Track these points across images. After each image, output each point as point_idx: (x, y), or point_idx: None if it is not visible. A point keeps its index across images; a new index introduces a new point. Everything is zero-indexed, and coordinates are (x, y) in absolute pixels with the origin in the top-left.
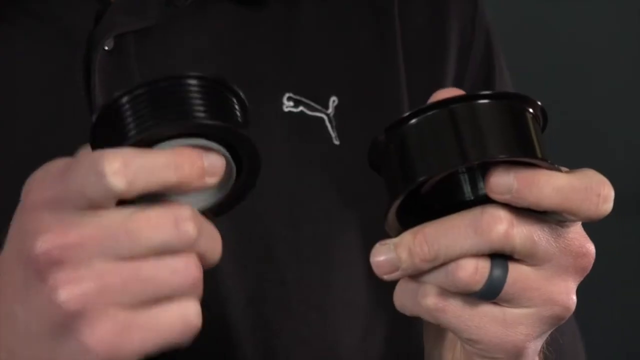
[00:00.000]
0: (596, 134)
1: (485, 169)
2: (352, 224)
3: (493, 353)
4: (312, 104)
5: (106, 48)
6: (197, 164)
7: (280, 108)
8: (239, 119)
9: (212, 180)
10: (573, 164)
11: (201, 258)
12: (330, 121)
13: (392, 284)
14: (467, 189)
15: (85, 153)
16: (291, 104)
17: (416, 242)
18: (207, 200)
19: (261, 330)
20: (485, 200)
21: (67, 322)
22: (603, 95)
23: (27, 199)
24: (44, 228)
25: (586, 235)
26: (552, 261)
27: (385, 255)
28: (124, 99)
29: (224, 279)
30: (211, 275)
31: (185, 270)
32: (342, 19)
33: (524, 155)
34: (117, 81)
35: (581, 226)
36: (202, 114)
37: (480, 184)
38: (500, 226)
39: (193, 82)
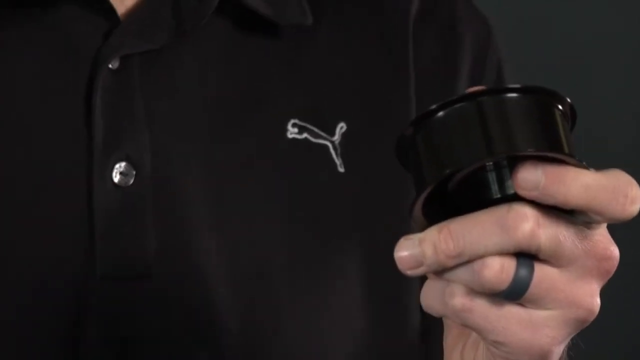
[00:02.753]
0: (596, 136)
1: (512, 166)
2: (353, 252)
3: (518, 356)
4: (317, 130)
5: (111, 67)
6: None
7: (284, 135)
8: None
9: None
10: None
11: None
12: (335, 148)
13: (388, 312)
14: (494, 187)
15: None
16: (296, 130)
17: (441, 237)
18: None
19: (254, 354)
20: (512, 199)
21: None
22: (604, 95)
23: None
24: None
25: (611, 239)
26: (577, 263)
27: (409, 250)
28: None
29: (216, 302)
30: (204, 298)
31: None
32: (355, 46)
33: (552, 150)
34: (120, 101)
35: (606, 229)
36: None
37: (508, 182)
38: (526, 224)
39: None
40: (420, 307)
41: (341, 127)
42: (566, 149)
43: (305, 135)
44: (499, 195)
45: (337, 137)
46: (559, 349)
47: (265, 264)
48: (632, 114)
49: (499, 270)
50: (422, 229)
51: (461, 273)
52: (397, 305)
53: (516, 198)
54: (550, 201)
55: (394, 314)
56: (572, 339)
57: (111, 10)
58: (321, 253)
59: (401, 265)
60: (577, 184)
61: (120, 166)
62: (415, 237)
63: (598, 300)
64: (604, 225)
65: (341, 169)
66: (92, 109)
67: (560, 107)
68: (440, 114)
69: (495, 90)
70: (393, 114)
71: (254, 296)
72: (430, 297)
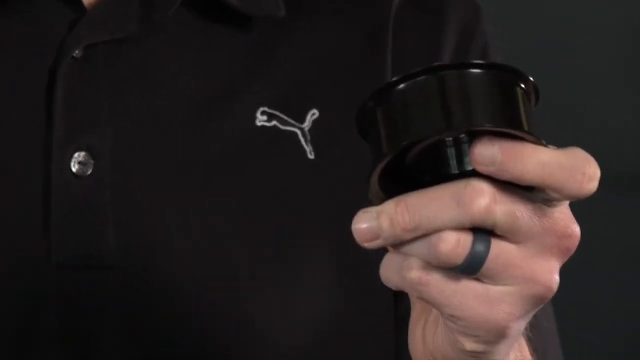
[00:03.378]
0: (575, 115)
1: (472, 142)
2: (326, 238)
3: (475, 331)
4: (286, 118)
5: (75, 56)
6: None
7: (253, 122)
8: None
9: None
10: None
11: None
12: (304, 135)
13: (360, 299)
14: (453, 163)
15: None
16: (265, 118)
17: (398, 211)
18: None
19: (218, 343)
20: (472, 175)
21: None
22: (582, 77)
23: None
24: None
25: (572, 217)
26: (536, 240)
27: (367, 223)
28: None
29: (176, 292)
30: (164, 289)
31: None
32: (332, 35)
33: (510, 127)
34: (83, 90)
35: (568, 208)
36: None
37: (467, 159)
38: (482, 200)
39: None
40: (395, 295)
41: (313, 114)
42: (525, 127)
43: (274, 123)
44: (457, 171)
45: (307, 124)
46: (517, 326)
47: (229, 253)
48: (614, 94)
49: (455, 244)
50: (380, 202)
51: (418, 247)
52: (368, 292)
53: (476, 175)
54: (507, 177)
55: (365, 301)
56: (534, 317)
57: (79, 0)
58: (290, 240)
59: (359, 238)
60: (534, 160)
61: (79, 156)
62: (373, 210)
63: (557, 278)
64: (566, 204)
65: (311, 156)
66: (53, 99)
67: (523, 85)
68: (401, 86)
69: (457, 65)
70: None
71: (216, 286)
72: (389, 270)
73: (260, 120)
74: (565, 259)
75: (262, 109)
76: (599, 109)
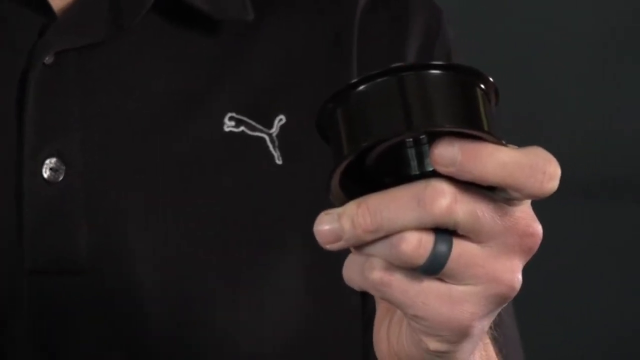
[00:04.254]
0: (539, 122)
1: (431, 143)
2: (294, 242)
3: (438, 331)
4: (254, 123)
5: (45, 62)
6: None
7: (220, 128)
8: None
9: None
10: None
11: None
12: (272, 141)
13: (328, 305)
14: (414, 164)
15: None
16: (233, 123)
17: (359, 212)
18: None
19: (186, 350)
20: (431, 175)
21: None
22: (547, 82)
23: None
24: None
25: (534, 216)
26: (497, 239)
27: (328, 225)
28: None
29: (146, 298)
30: (134, 295)
31: None
32: (300, 39)
33: (469, 127)
34: (53, 96)
35: (530, 207)
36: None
37: (427, 159)
38: (443, 200)
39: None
40: (363, 296)
41: (280, 119)
42: (485, 127)
43: (242, 128)
44: (418, 172)
45: (275, 130)
46: (480, 325)
47: (198, 260)
48: (578, 101)
49: (417, 244)
50: (341, 204)
51: (380, 247)
52: (336, 298)
53: (436, 175)
54: (467, 177)
55: (333, 307)
56: (498, 316)
57: (48, 6)
58: (259, 244)
59: (321, 240)
60: (494, 160)
61: (50, 162)
62: (334, 212)
63: (519, 277)
64: (528, 203)
65: (279, 161)
66: (24, 106)
67: (482, 86)
68: (361, 87)
69: (416, 66)
70: None
71: (185, 293)
72: (351, 271)
73: (228, 125)
74: (528, 258)
75: (229, 114)
76: (563, 112)
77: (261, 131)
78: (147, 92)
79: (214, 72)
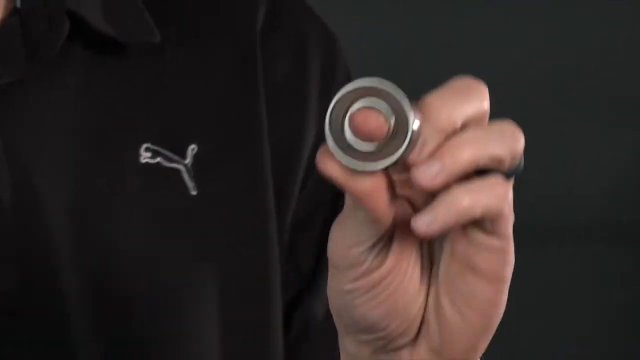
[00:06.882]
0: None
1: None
2: (209, 276)
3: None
4: (170, 154)
5: None
6: None
7: (137, 160)
8: None
9: None
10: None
11: None
12: (188, 171)
13: (248, 339)
14: None
15: None
16: (149, 154)
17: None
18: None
19: None
20: None
21: None
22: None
23: None
24: None
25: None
26: None
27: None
28: None
29: (79, 336)
30: (64, 333)
31: None
32: (206, 62)
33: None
34: None
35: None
36: None
37: None
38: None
39: None
40: (285, 322)
41: (192, 148)
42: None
43: (158, 159)
44: None
45: (189, 160)
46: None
47: (126, 295)
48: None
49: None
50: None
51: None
52: (256, 331)
53: None
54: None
55: (254, 340)
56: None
57: None
58: (181, 281)
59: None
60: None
61: None
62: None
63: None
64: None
65: (193, 192)
66: None
67: None
68: None
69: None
70: (243, 133)
71: (116, 328)
72: (440, 219)
73: (145, 157)
74: None
75: (145, 145)
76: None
77: (177, 162)
78: (69, 127)
79: (128, 100)
